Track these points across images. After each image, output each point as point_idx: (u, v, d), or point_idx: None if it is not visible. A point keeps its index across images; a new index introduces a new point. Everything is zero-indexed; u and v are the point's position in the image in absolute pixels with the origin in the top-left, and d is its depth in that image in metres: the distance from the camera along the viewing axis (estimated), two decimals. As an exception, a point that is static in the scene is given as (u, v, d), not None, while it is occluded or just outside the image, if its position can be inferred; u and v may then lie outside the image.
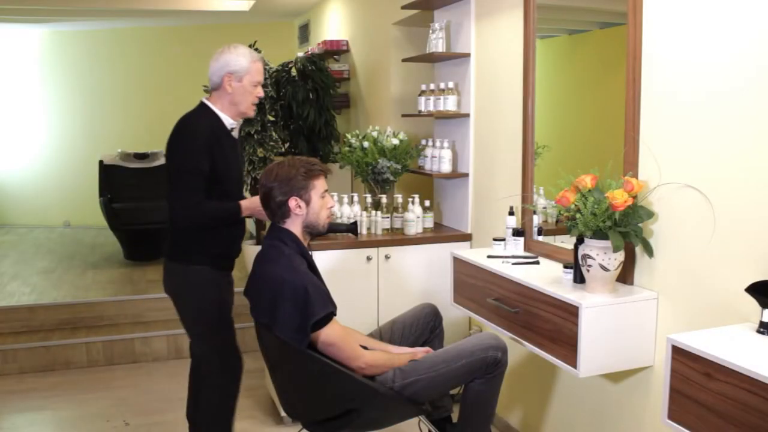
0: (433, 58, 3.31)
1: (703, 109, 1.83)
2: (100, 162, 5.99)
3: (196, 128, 2.41)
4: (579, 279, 2.12)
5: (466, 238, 3.23)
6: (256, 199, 2.39)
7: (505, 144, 2.87)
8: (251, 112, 2.51)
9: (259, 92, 2.48)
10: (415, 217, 3.20)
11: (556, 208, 2.07)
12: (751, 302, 1.62)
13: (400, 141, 3.32)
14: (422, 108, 3.31)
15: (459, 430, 2.28)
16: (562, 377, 2.59)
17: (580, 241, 2.04)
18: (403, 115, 3.60)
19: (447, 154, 3.20)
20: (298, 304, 1.94)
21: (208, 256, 2.44)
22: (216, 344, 2.54)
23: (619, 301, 1.99)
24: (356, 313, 2.90)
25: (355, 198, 3.22)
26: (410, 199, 3.22)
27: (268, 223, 2.25)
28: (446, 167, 3.20)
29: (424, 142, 3.40)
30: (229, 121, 2.47)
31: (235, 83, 2.42)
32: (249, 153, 4.65)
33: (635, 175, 2.04)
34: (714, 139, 1.80)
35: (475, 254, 2.61)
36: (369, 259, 3.06)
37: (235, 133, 2.53)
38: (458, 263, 2.65)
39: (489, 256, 2.55)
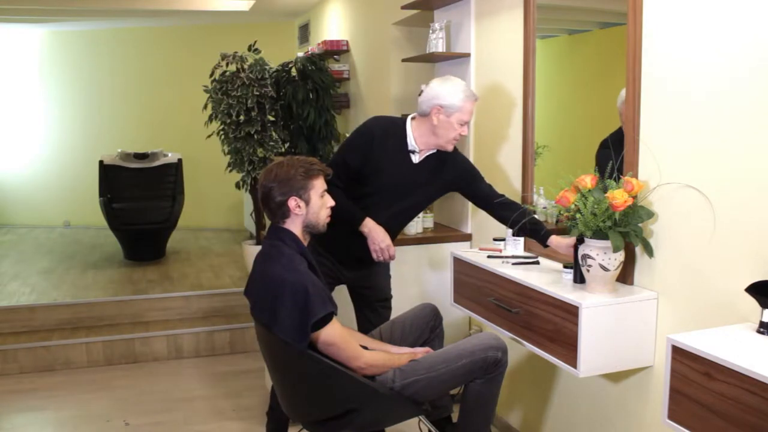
0: (433, 58, 3.31)
1: (703, 109, 1.83)
2: (100, 162, 5.98)
3: (370, 125, 2.49)
4: (579, 279, 2.12)
5: (466, 238, 3.23)
6: (381, 231, 2.45)
7: (505, 144, 2.87)
8: (450, 147, 2.47)
9: (464, 131, 2.43)
10: (415, 217, 3.19)
11: (556, 208, 2.07)
12: (751, 302, 1.62)
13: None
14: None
15: (459, 430, 2.28)
16: (562, 377, 2.59)
17: (580, 241, 2.04)
18: (403, 115, 3.59)
19: (447, 154, 3.19)
20: (298, 303, 1.94)
21: (323, 241, 2.42)
22: None
23: (619, 301, 1.99)
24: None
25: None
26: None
27: (268, 224, 2.25)
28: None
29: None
30: (412, 142, 2.47)
31: (442, 117, 2.40)
32: (249, 153, 4.66)
33: (635, 175, 2.04)
34: (714, 139, 1.79)
35: (475, 254, 2.61)
36: (369, 259, 3.05)
37: (415, 157, 2.49)
38: (458, 263, 2.65)
39: (489, 256, 2.55)
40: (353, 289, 2.74)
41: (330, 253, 2.58)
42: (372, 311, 2.74)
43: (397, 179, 2.49)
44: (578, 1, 2.67)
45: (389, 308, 2.80)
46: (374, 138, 2.44)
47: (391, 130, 2.48)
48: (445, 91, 2.38)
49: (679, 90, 1.90)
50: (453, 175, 2.58)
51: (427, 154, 2.51)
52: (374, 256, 2.48)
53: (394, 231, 2.61)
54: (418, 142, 2.48)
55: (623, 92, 2.11)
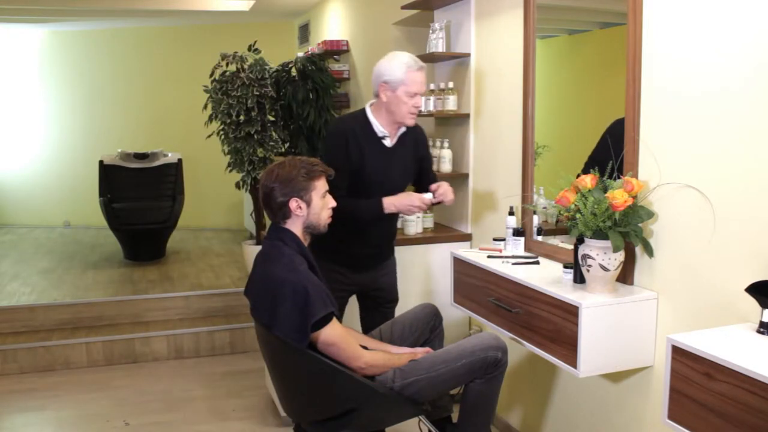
0: (433, 58, 3.31)
1: (703, 109, 1.83)
2: (100, 162, 5.98)
3: (335, 128, 2.59)
4: (579, 279, 2.12)
5: (466, 238, 3.23)
6: (401, 195, 2.47)
7: (505, 144, 2.87)
8: (409, 121, 2.49)
9: (416, 102, 2.45)
10: (415, 217, 3.20)
11: (556, 208, 2.07)
12: (751, 302, 1.62)
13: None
14: (422, 108, 3.30)
15: (459, 430, 2.28)
16: (562, 377, 2.59)
17: (580, 241, 2.04)
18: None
19: (447, 154, 3.20)
20: (298, 303, 1.94)
21: (326, 250, 2.44)
22: None
23: (619, 301, 1.99)
24: (356, 314, 2.89)
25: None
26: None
27: (268, 224, 2.25)
28: (446, 167, 3.20)
29: (424, 142, 3.40)
30: (380, 128, 2.50)
31: (389, 93, 2.43)
32: (249, 153, 4.66)
33: (635, 175, 2.04)
34: (714, 139, 1.80)
35: (475, 254, 2.61)
36: (369, 259, 3.05)
37: (387, 141, 2.52)
38: (458, 263, 2.65)
39: (489, 256, 2.55)
40: (364, 294, 2.73)
41: (342, 264, 2.57)
42: (380, 314, 2.73)
43: (379, 169, 2.51)
44: (578, 1, 2.67)
45: (394, 310, 2.80)
46: (347, 137, 2.47)
47: (356, 124, 2.51)
48: (385, 67, 2.43)
49: (679, 90, 1.90)
50: (423, 152, 2.68)
51: (398, 135, 2.55)
52: (417, 211, 2.53)
53: (391, 219, 2.64)
54: (383, 125, 2.51)
55: None
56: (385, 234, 2.67)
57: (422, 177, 2.71)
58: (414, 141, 2.62)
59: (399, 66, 2.41)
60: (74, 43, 7.42)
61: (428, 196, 2.50)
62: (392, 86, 2.42)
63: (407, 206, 2.48)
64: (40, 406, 3.50)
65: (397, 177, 2.59)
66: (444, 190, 2.54)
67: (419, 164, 2.68)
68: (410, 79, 2.41)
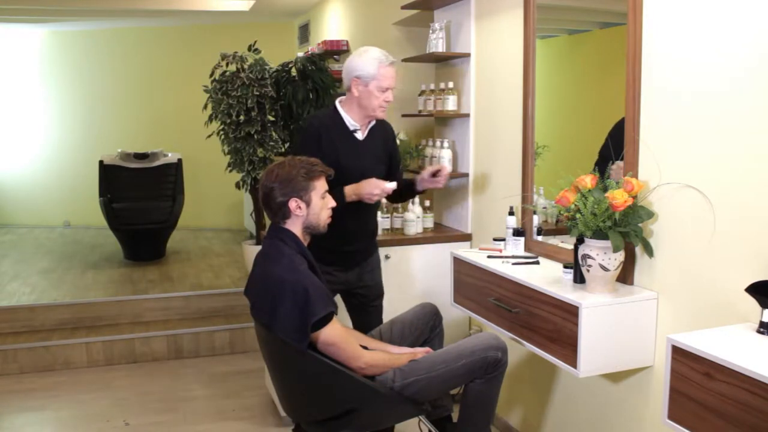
0: (433, 58, 3.31)
1: (703, 109, 1.83)
2: (100, 162, 5.99)
3: (306, 124, 2.61)
4: (579, 279, 2.12)
5: (466, 238, 3.23)
6: (362, 182, 2.47)
7: (505, 144, 2.87)
8: (380, 114, 2.54)
9: (387, 97, 2.49)
10: (415, 217, 3.20)
11: (556, 208, 2.07)
12: (751, 302, 1.62)
13: (400, 141, 3.33)
14: (422, 108, 3.31)
15: (459, 430, 2.28)
16: (562, 377, 2.59)
17: (580, 241, 2.04)
18: (403, 115, 3.60)
19: (447, 154, 3.20)
20: (298, 303, 1.94)
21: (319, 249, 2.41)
22: None
23: (619, 301, 1.99)
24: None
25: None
26: (410, 199, 3.22)
27: (268, 223, 2.25)
28: (446, 167, 3.19)
29: (424, 142, 3.40)
30: (351, 122, 2.54)
31: (361, 87, 2.47)
32: (249, 153, 4.66)
33: (635, 175, 2.04)
34: (714, 139, 1.80)
35: (475, 254, 2.61)
36: (369, 259, 3.05)
37: (359, 134, 2.56)
38: (458, 263, 2.65)
39: (489, 256, 2.55)
40: (350, 293, 2.72)
41: (330, 264, 2.56)
42: (369, 312, 2.73)
43: (353, 162, 2.53)
44: (578, 1, 2.67)
45: (382, 307, 2.79)
46: (320, 133, 2.51)
47: (328, 120, 2.55)
48: (357, 62, 2.47)
49: (679, 90, 1.90)
50: (392, 147, 2.72)
51: (368, 128, 2.59)
52: (377, 198, 2.50)
53: (369, 211, 2.66)
54: (354, 119, 2.54)
55: None
56: (366, 228, 2.69)
57: (390, 175, 2.71)
58: (383, 136, 2.66)
59: (371, 61, 2.44)
60: (74, 43, 7.42)
61: (391, 184, 2.50)
62: (364, 81, 2.45)
63: (367, 193, 2.46)
64: (40, 406, 3.50)
65: (371, 169, 2.58)
66: (443, 175, 2.64)
67: (389, 160, 2.70)
68: (382, 74, 2.45)
